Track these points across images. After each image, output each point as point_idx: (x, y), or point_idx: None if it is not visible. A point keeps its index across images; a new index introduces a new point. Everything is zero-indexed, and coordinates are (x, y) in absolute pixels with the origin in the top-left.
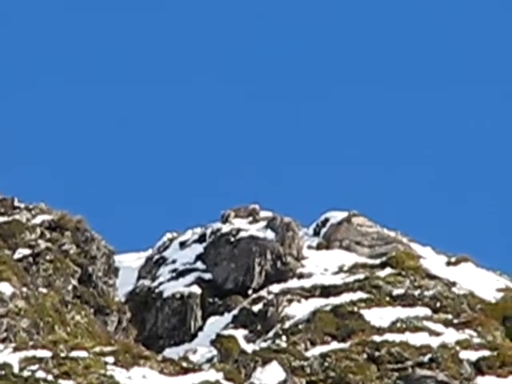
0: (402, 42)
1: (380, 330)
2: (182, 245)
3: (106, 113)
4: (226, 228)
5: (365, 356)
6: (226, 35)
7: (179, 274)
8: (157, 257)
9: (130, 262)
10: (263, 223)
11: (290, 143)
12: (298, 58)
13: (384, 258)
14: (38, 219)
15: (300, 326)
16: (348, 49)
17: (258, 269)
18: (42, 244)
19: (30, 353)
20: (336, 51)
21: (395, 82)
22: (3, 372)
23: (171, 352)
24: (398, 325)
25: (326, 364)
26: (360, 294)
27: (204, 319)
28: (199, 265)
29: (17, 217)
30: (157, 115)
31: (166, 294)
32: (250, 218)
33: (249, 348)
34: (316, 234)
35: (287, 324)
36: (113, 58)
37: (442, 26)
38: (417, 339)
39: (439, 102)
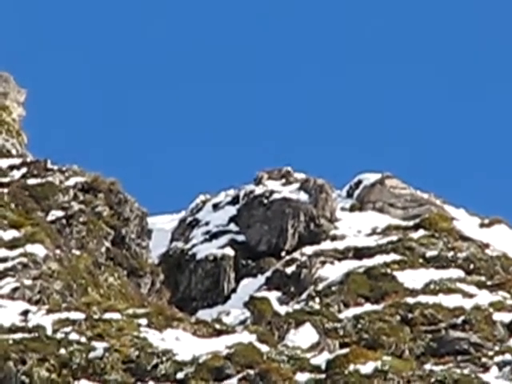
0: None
1: (413, 292)
2: (215, 207)
3: (141, 75)
4: (259, 190)
5: (398, 318)
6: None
7: (212, 236)
8: (190, 219)
9: (163, 224)
10: (296, 185)
11: (322, 105)
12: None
13: (417, 220)
14: (71, 181)
15: (333, 288)
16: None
17: (291, 231)
18: (75, 206)
19: (64, 315)
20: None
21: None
22: (37, 334)
23: (204, 314)
24: (432, 287)
25: (360, 326)
26: (393, 256)
27: (237, 281)
28: (232, 227)
29: (50, 179)
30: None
31: (199, 256)
32: (283, 180)
33: (282, 310)
34: (349, 195)
35: (320, 286)
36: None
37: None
38: (450, 301)
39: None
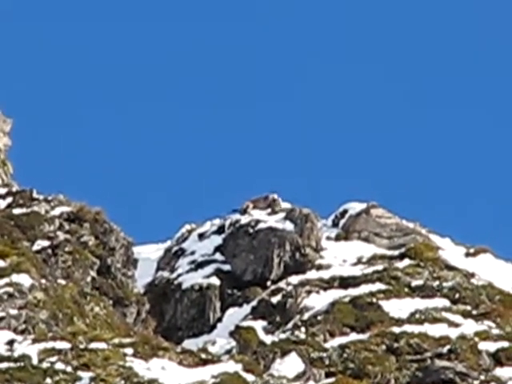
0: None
1: (399, 322)
2: (201, 236)
3: (121, 105)
4: (244, 219)
5: (384, 347)
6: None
7: (198, 266)
8: (176, 248)
9: (148, 254)
10: (282, 215)
11: (308, 135)
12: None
13: (403, 250)
14: (57, 211)
15: (319, 318)
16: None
17: (276, 260)
18: (61, 236)
19: (49, 344)
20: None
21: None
22: (22, 363)
23: (190, 343)
24: (417, 316)
25: (345, 355)
26: (379, 285)
27: (223, 311)
28: (218, 256)
29: (35, 208)
30: (174, 107)
31: (184, 286)
32: (269, 210)
33: (268, 339)
34: (335, 225)
35: (306, 315)
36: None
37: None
38: (435, 330)
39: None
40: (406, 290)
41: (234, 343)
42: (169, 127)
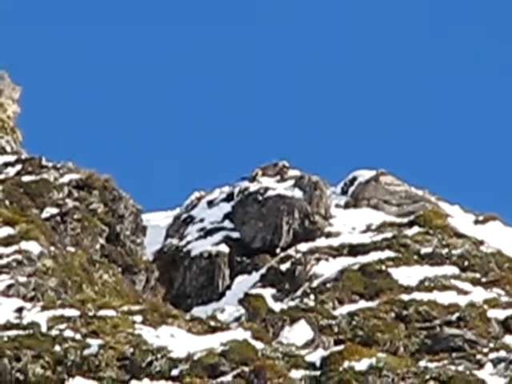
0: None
1: (408, 289)
2: (210, 204)
3: (132, 71)
4: (253, 187)
5: (393, 315)
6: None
7: (207, 233)
8: (184, 216)
9: (157, 221)
10: (291, 182)
11: (318, 102)
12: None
13: (412, 217)
14: (66, 178)
15: (328, 285)
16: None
17: (285, 227)
18: (70, 203)
19: (58, 312)
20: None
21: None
22: (31, 331)
23: (199, 311)
24: (426, 283)
25: (354, 323)
26: (388, 253)
27: (232, 278)
28: (227, 224)
29: (44, 176)
30: (184, 75)
31: (193, 253)
32: (278, 177)
33: (276, 307)
34: (344, 192)
35: (315, 283)
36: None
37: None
38: (444, 298)
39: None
40: (415, 257)
41: (242, 311)
42: (179, 93)
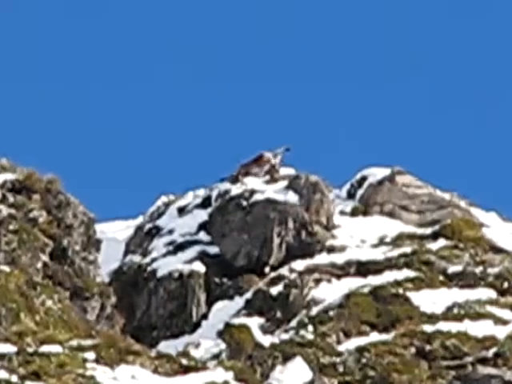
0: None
1: (432, 318)
2: (181, 211)
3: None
4: (236, 189)
5: (413, 350)
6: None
7: (177, 248)
8: (149, 226)
9: (115, 233)
10: (284, 183)
11: (319, 82)
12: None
13: (437, 227)
14: None
15: (331, 313)
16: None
17: (277, 241)
18: (4, 210)
19: None
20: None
21: None
22: None
23: (168, 346)
24: (455, 311)
25: (364, 360)
26: (406, 273)
27: (209, 305)
28: (203, 236)
29: None
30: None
31: (160, 273)
32: (267, 177)
33: (266, 341)
34: (350, 196)
35: (314, 310)
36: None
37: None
38: (478, 329)
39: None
40: (441, 278)
41: (223, 346)
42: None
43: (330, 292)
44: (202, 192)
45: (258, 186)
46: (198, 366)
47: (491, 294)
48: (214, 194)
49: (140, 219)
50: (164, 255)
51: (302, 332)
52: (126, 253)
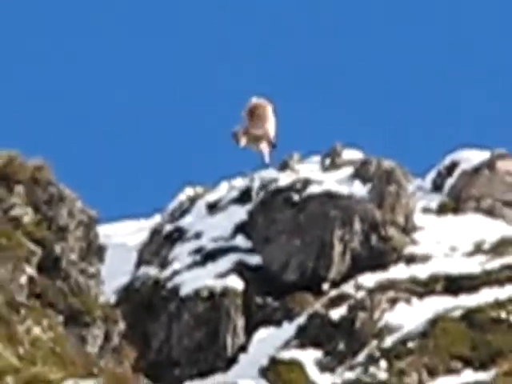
0: None
1: None
2: (212, 208)
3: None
4: (284, 179)
5: None
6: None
7: (207, 257)
8: (169, 228)
9: (123, 237)
10: (348, 170)
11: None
12: None
13: None
14: None
15: (410, 344)
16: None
17: (338, 248)
18: None
19: None
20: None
21: None
22: None
23: None
24: None
25: None
26: (511, 290)
27: (249, 333)
28: (240, 241)
29: None
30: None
31: (184, 291)
32: (326, 162)
33: (324, 381)
34: (437, 188)
35: (388, 340)
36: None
37: None
38: None
39: None
40: None
41: None
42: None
43: (409, 316)
44: (239, 182)
45: (313, 174)
46: None
47: None
48: (256, 185)
49: (157, 219)
50: (189, 267)
51: (373, 369)
52: (139, 264)
